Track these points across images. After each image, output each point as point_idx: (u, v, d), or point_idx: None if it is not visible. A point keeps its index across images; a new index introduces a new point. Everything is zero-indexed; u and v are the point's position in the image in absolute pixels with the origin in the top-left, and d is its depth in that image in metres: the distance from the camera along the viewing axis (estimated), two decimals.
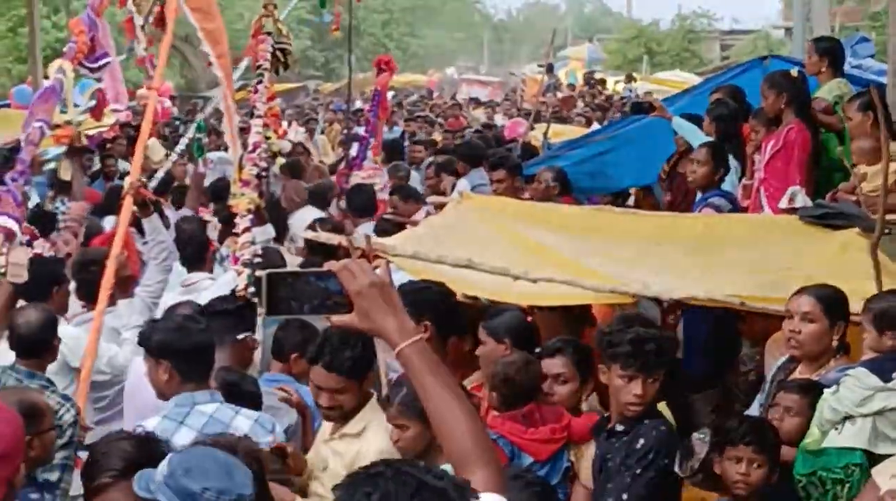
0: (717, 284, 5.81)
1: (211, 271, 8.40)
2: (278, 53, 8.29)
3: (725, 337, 6.94)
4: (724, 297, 5.66)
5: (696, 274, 6.07)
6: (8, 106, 18.36)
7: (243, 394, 5.43)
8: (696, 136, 9.16)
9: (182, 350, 5.22)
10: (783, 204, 7.45)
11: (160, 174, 12.26)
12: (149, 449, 4.01)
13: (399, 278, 6.23)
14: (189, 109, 24.63)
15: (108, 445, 4.11)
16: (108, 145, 14.79)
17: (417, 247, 6.55)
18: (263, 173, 8.29)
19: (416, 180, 13.47)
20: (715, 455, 4.79)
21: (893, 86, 8.52)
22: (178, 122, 21.74)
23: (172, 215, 10.29)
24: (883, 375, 4.70)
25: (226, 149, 10.50)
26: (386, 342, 2.91)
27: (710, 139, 8.91)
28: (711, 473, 4.81)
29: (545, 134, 14.17)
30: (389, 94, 17.62)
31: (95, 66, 7.14)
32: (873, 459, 4.56)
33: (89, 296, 6.92)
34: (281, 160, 9.89)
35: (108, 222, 9.69)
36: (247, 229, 7.44)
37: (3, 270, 6.04)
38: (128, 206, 6.97)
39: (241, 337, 6.24)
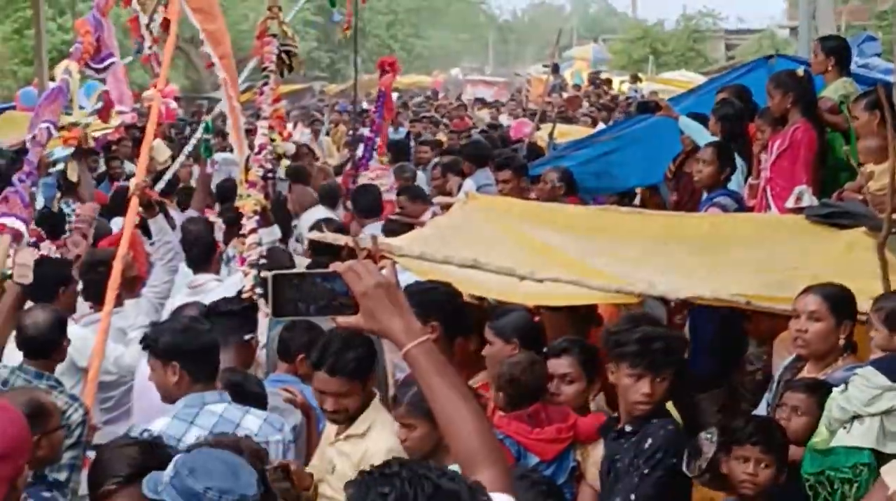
0: (724, 284, 5.80)
1: (217, 272, 8.40)
2: (283, 55, 8.30)
3: (732, 337, 6.94)
4: (730, 297, 5.65)
5: (702, 273, 6.06)
6: (14, 108, 18.41)
7: (248, 395, 5.43)
8: (703, 136, 9.15)
9: (190, 350, 5.22)
10: (790, 203, 7.45)
11: (168, 176, 12.30)
12: (154, 455, 4.02)
13: (405, 278, 6.24)
14: (194, 111, 24.65)
15: (113, 451, 4.12)
16: (114, 147, 14.82)
17: (423, 247, 6.55)
18: (269, 175, 8.29)
19: (422, 180, 13.48)
20: (722, 454, 4.78)
21: None
22: (183, 124, 21.78)
23: (178, 216, 10.30)
24: (892, 374, 4.68)
25: (231, 151, 10.51)
26: (393, 342, 2.90)
27: (716, 139, 8.90)
28: (719, 473, 4.81)
29: (551, 134, 14.16)
30: (394, 96, 17.63)
31: (101, 66, 7.13)
32: (882, 458, 4.55)
33: (96, 297, 6.94)
34: (286, 162, 9.88)
35: (115, 224, 9.70)
36: (253, 230, 7.46)
37: (10, 271, 6.05)
38: (133, 207, 6.98)
39: (246, 337, 6.25)
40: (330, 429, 5.34)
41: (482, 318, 6.03)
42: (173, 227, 8.30)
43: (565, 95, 26.56)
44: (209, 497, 3.56)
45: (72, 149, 8.06)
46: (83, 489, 4.81)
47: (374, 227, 9.43)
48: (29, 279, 5.74)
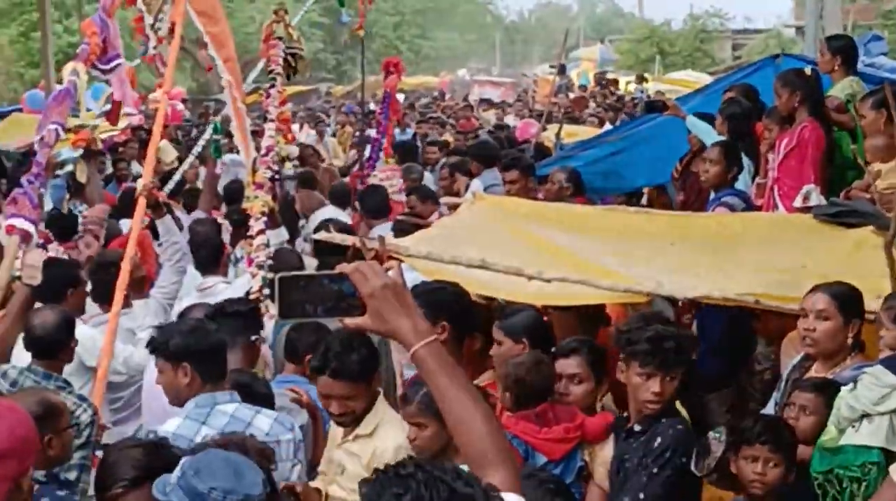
0: (732, 283, 5.79)
1: (225, 274, 8.41)
2: (290, 58, 8.32)
3: (740, 337, 6.92)
4: (738, 296, 5.63)
5: (710, 272, 6.05)
6: (20, 110, 18.46)
7: (256, 396, 5.43)
8: (711, 135, 9.14)
9: (201, 351, 5.22)
10: (797, 202, 7.44)
11: (176, 177, 12.32)
12: (159, 456, 4.04)
13: (412, 278, 6.24)
14: (201, 112, 24.67)
15: (118, 453, 4.13)
16: (120, 149, 14.87)
17: (431, 247, 6.55)
18: (277, 176, 8.31)
19: (430, 181, 13.48)
20: (731, 454, 4.78)
21: None
22: (189, 125, 21.80)
23: (184, 218, 10.31)
24: None
25: (238, 152, 10.54)
26: (400, 343, 2.90)
27: (723, 138, 8.89)
28: (727, 472, 4.80)
29: (557, 134, 14.17)
30: (401, 97, 17.63)
31: (108, 67, 7.14)
32: (890, 457, 4.54)
33: (105, 298, 6.95)
34: (289, 165, 9.92)
35: (124, 225, 9.72)
36: (261, 231, 7.47)
37: (19, 273, 6.06)
38: (141, 208, 6.99)
39: (252, 338, 6.25)
40: (336, 431, 5.32)
41: (488, 318, 6.03)
42: (180, 228, 8.30)
43: (572, 96, 26.57)
44: (213, 498, 3.58)
45: (80, 151, 8.08)
46: (92, 489, 4.83)
47: (382, 228, 9.43)
48: (38, 280, 5.75)
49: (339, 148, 21.12)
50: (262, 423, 5.09)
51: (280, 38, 8.39)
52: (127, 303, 6.93)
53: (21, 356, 5.95)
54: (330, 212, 11.03)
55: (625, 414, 5.23)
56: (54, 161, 9.39)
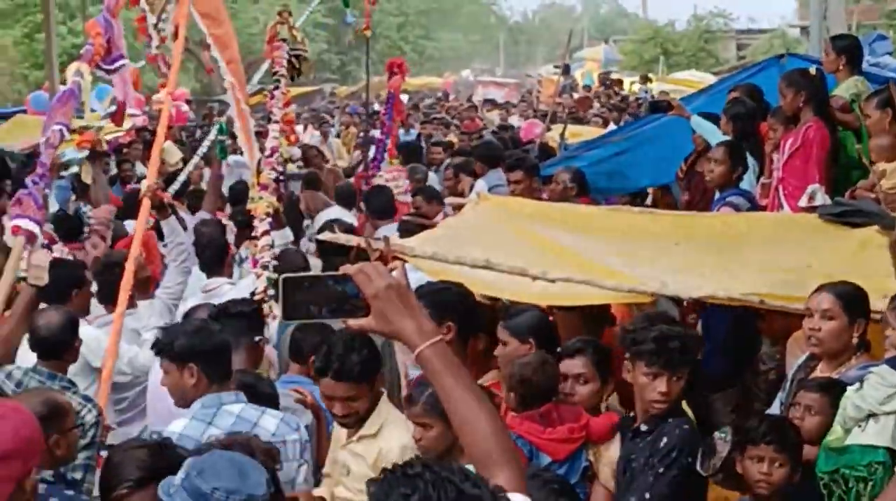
0: (736, 283, 5.78)
1: (230, 275, 8.41)
2: (293, 60, 8.33)
3: (744, 337, 6.92)
4: (743, 296, 5.63)
5: (714, 272, 6.04)
6: (25, 111, 18.49)
7: (260, 396, 5.43)
8: (715, 135, 9.13)
9: (206, 351, 5.21)
10: (803, 202, 7.43)
11: (182, 177, 12.33)
12: (164, 456, 4.04)
13: (417, 278, 6.23)
14: (205, 113, 24.68)
15: (123, 454, 4.13)
16: (125, 150, 14.88)
17: (435, 247, 6.54)
18: (281, 177, 8.32)
19: (434, 181, 13.48)
20: (736, 454, 4.78)
21: None
22: (193, 126, 21.80)
23: (188, 219, 10.31)
24: None
25: (241, 153, 10.54)
26: (405, 344, 2.89)
27: (728, 138, 8.88)
28: (733, 472, 4.80)
29: (562, 134, 14.16)
30: (405, 97, 17.62)
31: (112, 67, 7.15)
32: None
33: (110, 299, 6.95)
34: (292, 166, 9.93)
35: (129, 226, 9.73)
36: (265, 232, 7.48)
37: (24, 274, 6.06)
38: (145, 209, 7.00)
39: (256, 339, 6.26)
40: (340, 432, 5.32)
41: (492, 318, 6.03)
42: (185, 229, 8.31)
43: (576, 96, 26.57)
44: (216, 498, 3.58)
45: (85, 152, 8.09)
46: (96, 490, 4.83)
47: (388, 229, 9.43)
48: (44, 280, 5.76)
49: (343, 149, 21.13)
50: (268, 423, 5.09)
51: (284, 40, 8.40)
52: (132, 304, 6.94)
53: (26, 356, 5.96)
54: (335, 212, 11.03)
55: (631, 414, 5.23)
56: (58, 161, 9.40)
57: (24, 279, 6.05)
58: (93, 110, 7.75)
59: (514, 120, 24.55)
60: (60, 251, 8.57)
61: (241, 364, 5.75)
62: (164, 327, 5.80)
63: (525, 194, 9.55)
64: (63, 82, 7.11)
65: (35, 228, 5.88)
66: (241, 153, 9.90)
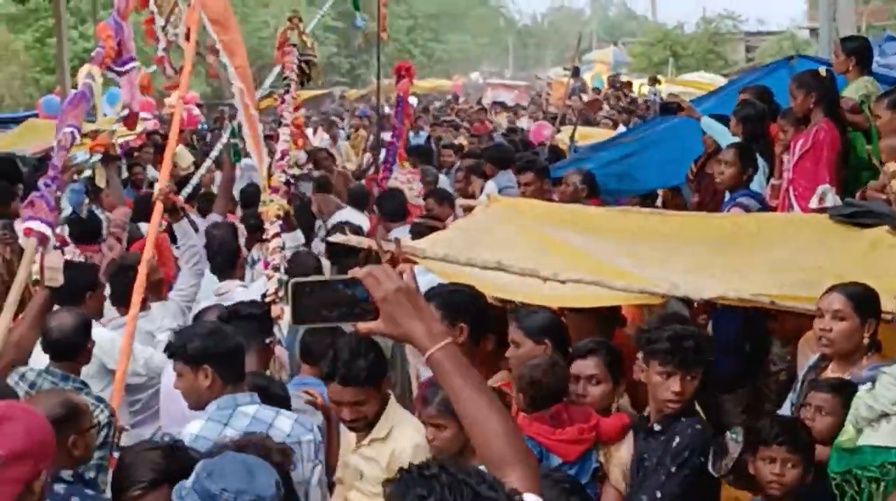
0: (747, 284, 5.78)
1: (242, 277, 8.43)
2: (303, 65, 8.35)
3: (755, 337, 6.92)
4: (753, 297, 5.63)
5: (725, 273, 6.04)
6: (36, 116, 18.54)
7: (273, 398, 5.44)
8: (726, 137, 9.13)
9: (220, 353, 5.21)
10: (813, 203, 7.44)
11: (194, 181, 12.35)
12: (176, 458, 4.06)
13: (429, 280, 6.24)
14: (216, 117, 24.73)
15: (136, 455, 4.15)
16: (136, 153, 14.91)
17: (447, 249, 6.55)
18: (292, 180, 8.33)
19: (445, 184, 13.50)
20: (748, 455, 4.78)
21: None
22: (203, 130, 21.84)
23: (199, 222, 10.33)
24: None
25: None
26: (415, 347, 2.89)
27: (738, 139, 8.88)
28: (745, 473, 4.80)
29: (572, 136, 14.16)
30: (414, 100, 17.63)
31: (123, 69, 7.16)
32: None
33: (122, 301, 6.96)
34: (297, 170, 9.94)
35: (143, 229, 9.76)
36: (276, 234, 7.49)
37: (36, 277, 6.07)
38: (158, 212, 7.01)
39: (267, 341, 6.27)
40: (350, 437, 5.30)
41: (500, 318, 6.03)
42: (196, 232, 8.33)
43: (585, 98, 26.56)
44: (224, 498, 3.59)
45: (98, 156, 8.11)
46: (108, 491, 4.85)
47: (400, 231, 9.45)
48: (60, 281, 5.77)
49: (352, 151, 21.15)
50: (283, 424, 5.10)
51: (294, 45, 8.42)
52: (145, 306, 6.96)
53: (39, 358, 5.98)
54: (347, 214, 11.06)
55: (645, 414, 5.23)
56: (70, 164, 9.42)
57: (37, 282, 6.06)
58: (105, 114, 7.75)
59: (524, 122, 24.57)
60: (72, 253, 8.59)
61: (252, 366, 5.75)
62: (177, 330, 5.81)
63: (535, 196, 9.56)
64: (74, 86, 7.11)
65: (47, 230, 5.87)
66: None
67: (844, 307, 5.23)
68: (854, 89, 8.71)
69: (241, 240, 9.51)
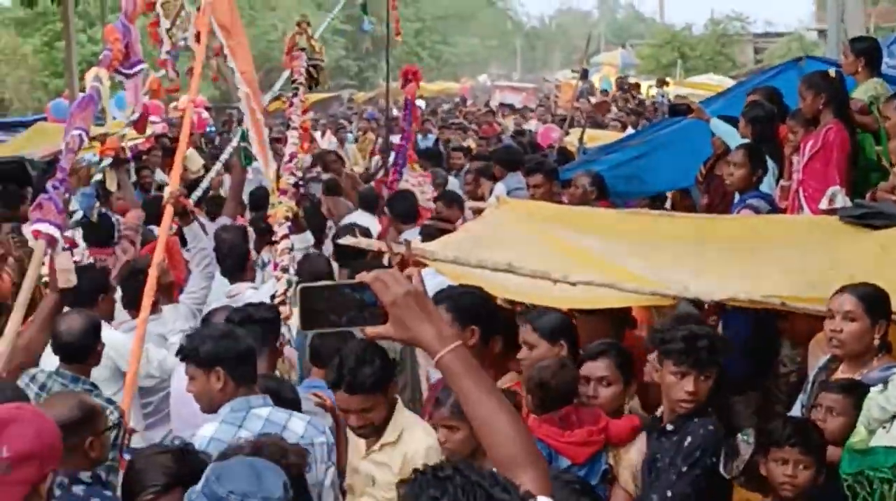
0: (757, 285, 5.78)
1: (253, 279, 8.43)
2: (311, 70, 8.37)
3: (765, 339, 6.91)
4: (764, 298, 5.62)
5: (735, 275, 6.03)
6: (45, 119, 18.58)
7: (284, 401, 5.44)
8: (735, 138, 9.11)
9: (231, 356, 5.22)
10: (823, 205, 7.42)
11: (203, 184, 12.36)
12: (187, 462, 4.07)
13: (439, 282, 6.24)
14: (225, 120, 24.76)
15: (147, 459, 4.15)
16: (144, 156, 14.93)
17: (457, 251, 6.55)
18: (301, 181, 8.34)
19: (454, 186, 13.51)
20: (759, 456, 4.77)
21: None
22: (212, 133, 21.87)
23: (208, 225, 10.33)
24: None
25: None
26: (424, 350, 2.88)
27: (747, 141, 8.87)
28: (756, 474, 4.79)
29: (580, 139, 14.16)
30: (422, 103, 17.63)
31: (131, 72, 7.17)
32: None
33: (134, 304, 6.97)
34: (301, 173, 9.95)
35: (154, 232, 9.76)
36: (285, 236, 7.50)
37: (44, 279, 6.08)
38: (168, 215, 7.02)
39: (277, 344, 6.27)
40: (358, 443, 5.27)
41: (508, 320, 6.02)
42: (206, 234, 8.33)
43: (594, 100, 26.57)
44: None
45: (109, 160, 8.11)
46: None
47: (411, 233, 9.44)
48: (73, 282, 5.78)
49: (359, 154, 21.17)
50: (296, 426, 5.10)
51: (303, 50, 8.44)
52: (156, 309, 6.97)
53: (49, 360, 5.98)
54: (357, 216, 11.06)
55: (658, 415, 5.22)
56: (78, 167, 9.43)
57: (46, 284, 6.07)
58: (114, 118, 7.76)
59: (532, 124, 24.57)
60: (82, 255, 8.59)
61: (262, 368, 5.76)
62: (189, 333, 5.81)
63: (545, 198, 9.56)
64: (83, 90, 7.11)
65: (55, 232, 5.88)
66: None
67: (855, 308, 5.23)
68: (863, 90, 8.70)
69: (251, 243, 9.51)
